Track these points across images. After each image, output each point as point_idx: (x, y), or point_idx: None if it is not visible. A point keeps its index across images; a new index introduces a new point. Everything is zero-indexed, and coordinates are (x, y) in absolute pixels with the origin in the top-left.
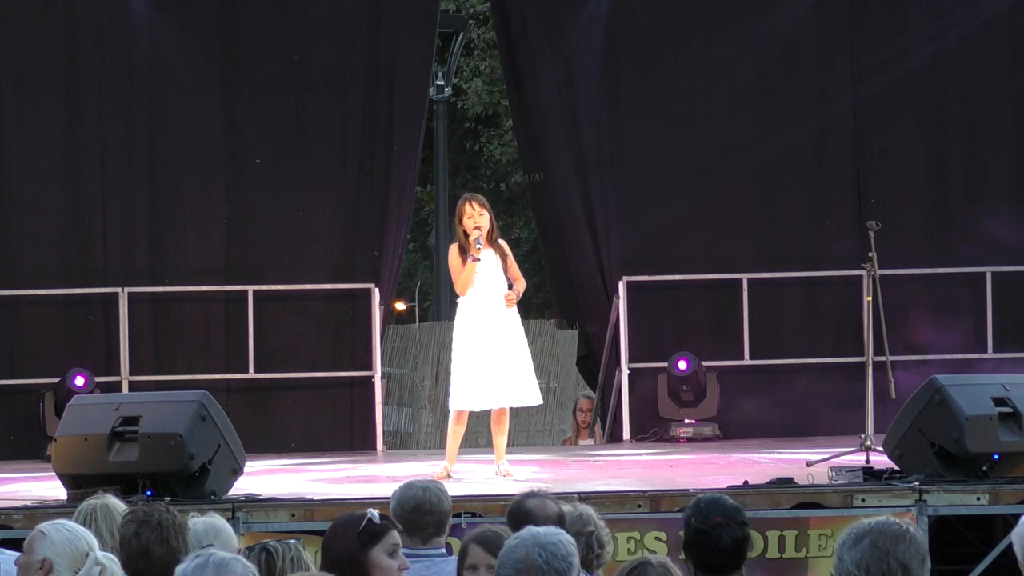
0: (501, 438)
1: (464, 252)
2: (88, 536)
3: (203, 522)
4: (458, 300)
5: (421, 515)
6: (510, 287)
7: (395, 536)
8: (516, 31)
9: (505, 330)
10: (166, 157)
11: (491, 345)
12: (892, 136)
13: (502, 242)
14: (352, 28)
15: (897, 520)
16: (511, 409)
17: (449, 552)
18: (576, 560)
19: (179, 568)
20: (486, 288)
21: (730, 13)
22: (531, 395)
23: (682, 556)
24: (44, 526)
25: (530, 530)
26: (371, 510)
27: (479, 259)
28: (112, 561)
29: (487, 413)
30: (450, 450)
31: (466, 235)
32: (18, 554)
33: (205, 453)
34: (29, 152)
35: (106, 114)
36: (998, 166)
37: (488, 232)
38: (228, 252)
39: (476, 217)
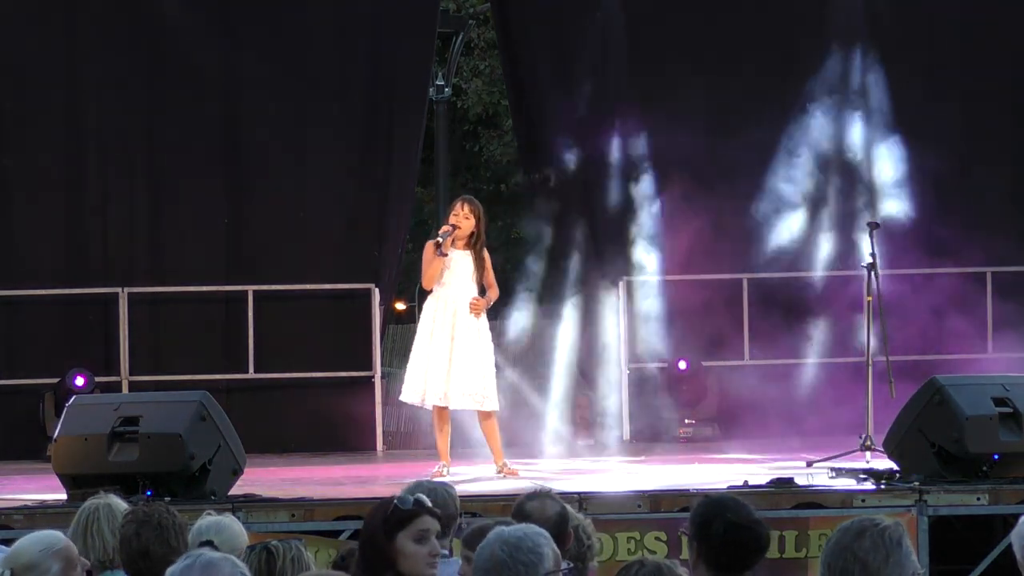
0: (492, 441)
1: (439, 248)
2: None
3: (209, 520)
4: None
5: None
6: (483, 294)
7: (426, 521)
8: (516, 31)
9: (466, 332)
10: (166, 157)
11: (447, 343)
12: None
13: (485, 252)
14: (352, 28)
15: (876, 517)
16: (511, 410)
17: (451, 554)
18: (547, 550)
19: (169, 569)
20: (453, 288)
21: (731, 10)
22: (485, 400)
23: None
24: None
25: (496, 530)
26: (401, 493)
27: (446, 254)
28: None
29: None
30: (441, 449)
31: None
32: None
33: (205, 453)
34: (29, 152)
35: (106, 114)
36: (999, 166)
37: (472, 237)
38: (228, 252)
39: (460, 217)
